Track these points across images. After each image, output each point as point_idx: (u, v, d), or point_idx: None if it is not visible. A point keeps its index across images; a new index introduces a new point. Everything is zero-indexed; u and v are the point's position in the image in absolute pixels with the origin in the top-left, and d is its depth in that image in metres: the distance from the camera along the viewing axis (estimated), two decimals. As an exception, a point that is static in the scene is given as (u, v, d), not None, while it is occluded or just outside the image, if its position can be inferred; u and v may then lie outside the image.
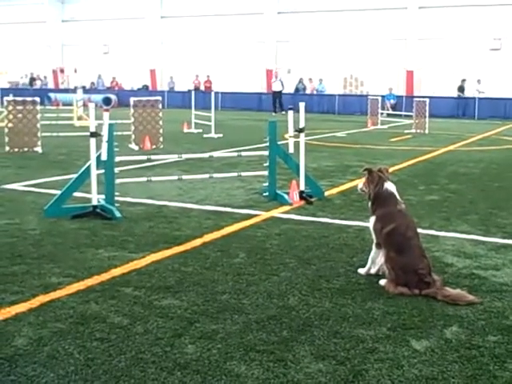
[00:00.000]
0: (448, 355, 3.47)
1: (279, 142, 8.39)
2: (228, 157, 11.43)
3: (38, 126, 13.16)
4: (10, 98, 13.68)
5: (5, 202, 7.56)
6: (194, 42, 37.19)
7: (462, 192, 8.83)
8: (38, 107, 13.35)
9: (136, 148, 13.57)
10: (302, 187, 8.04)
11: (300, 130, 8.18)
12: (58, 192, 7.16)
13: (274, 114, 28.69)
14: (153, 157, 8.57)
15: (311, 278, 4.81)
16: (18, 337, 3.63)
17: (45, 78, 40.18)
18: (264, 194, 8.15)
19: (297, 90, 33.68)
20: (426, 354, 3.47)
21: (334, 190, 8.80)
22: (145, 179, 7.89)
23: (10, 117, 12.94)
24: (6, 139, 12.88)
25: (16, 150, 12.78)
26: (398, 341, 3.65)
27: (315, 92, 33.71)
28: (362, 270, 4.94)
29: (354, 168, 11.14)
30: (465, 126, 23.50)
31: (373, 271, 4.88)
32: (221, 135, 17.19)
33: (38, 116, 13.22)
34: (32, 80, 39.23)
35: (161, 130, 14.16)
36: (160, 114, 14.30)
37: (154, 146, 13.76)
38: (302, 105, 8.20)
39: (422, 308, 4.18)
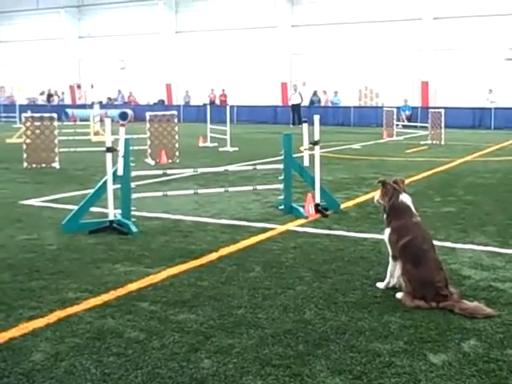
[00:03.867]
0: (466, 369, 3.43)
1: (294, 155, 8.40)
2: (243, 170, 11.45)
3: (56, 141, 13.31)
4: (28, 114, 13.86)
5: (23, 218, 7.64)
6: (209, 56, 37.44)
7: (478, 203, 8.77)
8: (56, 123, 13.51)
9: (152, 162, 13.65)
10: (318, 200, 8.03)
11: (315, 143, 8.19)
12: (75, 207, 7.22)
13: (291, 126, 28.75)
14: (169, 171, 8.63)
15: (327, 291, 4.80)
16: (35, 352, 3.66)
17: (62, 93, 40.64)
18: (279, 208, 8.15)
19: (312, 102, 33.73)
20: (444, 368, 3.45)
21: (350, 203, 8.78)
22: (161, 194, 7.93)
23: (28, 133, 13.10)
24: (24, 155, 13.03)
25: (34, 165, 12.92)
26: (415, 355, 3.62)
27: (330, 104, 33.72)
28: (380, 284, 4.91)
29: (370, 180, 11.11)
30: (481, 137, 23.36)
31: (391, 284, 4.85)
32: (236, 149, 17.24)
33: (56, 132, 13.37)
34: (49, 96, 39.70)
35: (177, 145, 14.23)
36: (176, 129, 14.39)
37: (170, 161, 13.83)
38: (316, 117, 8.22)
39: (439, 321, 4.15)
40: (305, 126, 8.40)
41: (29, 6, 40.31)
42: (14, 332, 3.95)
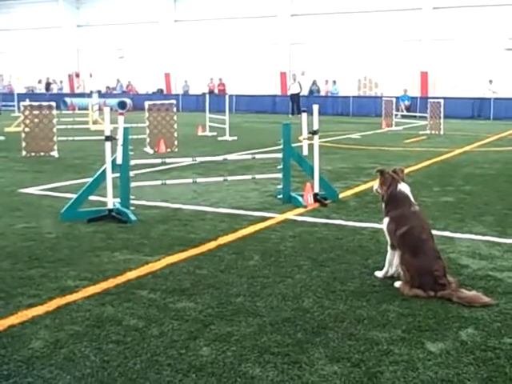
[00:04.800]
0: (463, 357, 3.45)
1: (294, 145, 8.40)
2: (242, 159, 11.45)
3: (54, 130, 13.28)
4: (27, 102, 13.82)
5: (22, 206, 7.64)
6: (208, 46, 37.30)
7: (477, 193, 8.78)
8: (54, 112, 13.47)
9: (151, 151, 13.64)
10: (317, 189, 8.03)
11: (314, 133, 8.18)
12: (74, 196, 7.22)
13: (290, 116, 28.69)
14: (167, 160, 8.61)
15: (326, 280, 4.81)
16: (34, 339, 3.67)
17: (60, 82, 40.51)
18: (278, 197, 8.15)
19: (311, 92, 33.65)
20: (442, 356, 3.46)
21: (349, 192, 8.79)
22: (160, 182, 7.93)
23: (27, 121, 13.08)
24: (23, 144, 13.01)
25: (32, 154, 12.90)
26: (412, 343, 3.64)
27: (329, 94, 33.66)
28: (379, 273, 4.92)
29: (369, 170, 11.10)
30: (480, 127, 23.34)
31: (390, 273, 4.86)
32: (235, 138, 17.22)
33: (54, 121, 13.34)
34: (48, 85, 39.57)
35: (175, 134, 14.22)
36: (174, 118, 14.37)
37: (168, 150, 13.82)
38: (315, 107, 8.21)
39: (437, 310, 4.16)
40: (304, 115, 8.39)
41: (27, -6, 40.15)
42: (13, 319, 3.96)
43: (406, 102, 30.19)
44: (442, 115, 20.42)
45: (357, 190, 9.05)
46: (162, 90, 38.02)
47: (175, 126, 14.26)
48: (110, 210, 6.83)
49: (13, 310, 4.14)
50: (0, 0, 42.14)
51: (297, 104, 30.28)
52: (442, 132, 19.93)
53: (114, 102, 31.19)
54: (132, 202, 7.20)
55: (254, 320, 3.96)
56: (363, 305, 4.26)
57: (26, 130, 13.06)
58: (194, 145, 15.39)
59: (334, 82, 33.60)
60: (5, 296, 4.40)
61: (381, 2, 32.71)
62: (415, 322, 3.95)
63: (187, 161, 9.05)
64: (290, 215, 7.22)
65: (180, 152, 13.49)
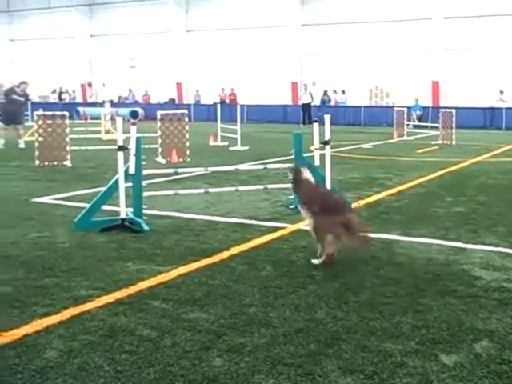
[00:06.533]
0: (478, 370, 3.43)
1: (305, 155, 8.40)
2: (254, 169, 11.46)
3: (67, 139, 13.37)
4: (40, 112, 13.94)
5: (35, 216, 7.69)
6: (220, 55, 37.45)
7: (489, 203, 8.74)
8: (67, 121, 13.57)
9: (163, 161, 13.68)
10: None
11: (325, 143, 8.19)
12: (87, 205, 7.26)
13: (302, 125, 28.72)
14: (179, 170, 8.65)
15: (338, 291, 4.80)
16: (48, 349, 3.69)
17: (73, 92, 40.82)
18: (290, 207, 8.15)
19: (323, 102, 33.69)
20: (456, 369, 3.44)
21: (361, 202, 8.77)
22: (172, 192, 7.96)
23: (40, 131, 13.18)
24: (37, 153, 13.11)
25: (46, 163, 12.99)
26: (426, 355, 3.62)
27: (338, 104, 33.67)
28: (316, 261, 5.51)
29: (381, 180, 11.10)
30: (492, 137, 23.23)
31: (330, 251, 5.50)
32: (247, 148, 17.25)
33: (67, 130, 13.43)
34: (61, 94, 39.88)
35: (187, 143, 14.26)
36: (186, 128, 14.42)
37: (180, 159, 13.86)
38: (327, 117, 8.22)
39: (451, 322, 4.14)
40: (315, 125, 8.40)
41: (41, 4, 40.49)
42: (27, 329, 3.98)
43: (418, 112, 30.13)
44: (453, 125, 20.35)
45: (369, 200, 9.04)
46: (173, 100, 38.18)
47: (187, 135, 14.31)
48: (123, 220, 6.86)
49: (27, 319, 4.16)
50: (14, 11, 42.57)
51: (308, 114, 30.30)
52: (453, 142, 19.85)
53: (125, 111, 31.33)
54: (144, 211, 7.22)
55: (267, 331, 3.96)
56: (376, 316, 4.25)
57: (40, 139, 13.16)
58: (205, 154, 15.43)
59: (343, 91, 33.61)
60: (19, 305, 4.43)
61: (392, 12, 32.73)
62: (429, 334, 3.93)
63: (199, 171, 9.08)
64: (302, 225, 7.21)
65: (192, 162, 13.53)
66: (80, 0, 39.59)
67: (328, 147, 8.21)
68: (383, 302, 4.55)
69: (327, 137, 8.14)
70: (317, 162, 8.26)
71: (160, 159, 13.79)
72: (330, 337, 3.87)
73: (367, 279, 5.10)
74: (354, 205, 8.40)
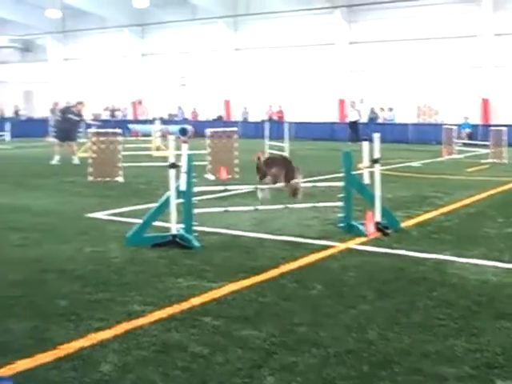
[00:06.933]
0: (536, 397, 3.35)
1: (353, 172, 8.38)
2: (302, 187, 11.42)
3: (120, 156, 13.67)
4: (94, 129, 14.31)
5: (89, 230, 7.88)
6: (267, 73, 37.70)
7: (545, 225, 8.50)
8: (120, 138, 13.89)
9: (212, 178, 13.83)
10: (378, 218, 7.97)
11: (375, 161, 8.15)
12: (139, 221, 7.41)
13: (349, 143, 28.58)
14: (229, 187, 8.73)
15: (389, 311, 4.76)
16: (103, 363, 3.77)
17: (125, 109, 41.74)
18: (339, 225, 8.13)
19: (370, 119, 33.50)
20: (513, 395, 3.37)
21: (411, 222, 8.67)
22: (222, 209, 8.04)
23: (94, 148, 13.52)
24: (90, 169, 13.44)
25: (99, 179, 13.30)
26: (482, 380, 3.55)
27: (385, 121, 33.39)
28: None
29: (431, 199, 10.95)
30: (547, 156, 22.61)
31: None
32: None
33: (120, 147, 13.74)
34: (112, 112, 40.83)
35: (236, 160, 14.39)
36: (235, 145, 14.56)
37: (229, 176, 13.98)
38: (376, 135, 8.18)
39: (506, 346, 4.05)
40: (365, 143, 8.37)
41: (95, 24, 41.67)
42: (83, 342, 4.08)
43: (468, 130, 29.62)
44: (505, 143, 19.92)
45: (419, 219, 8.92)
46: (221, 117, 38.59)
47: (236, 152, 14.43)
48: (174, 236, 6.96)
49: (82, 332, 4.27)
50: (69, 31, 43.94)
51: (355, 131, 30.16)
52: (505, 160, 19.42)
53: (175, 128, 31.84)
54: (195, 228, 7.31)
55: (318, 351, 3.95)
56: (429, 339, 4.19)
57: (93, 155, 13.49)
58: (253, 171, 15.44)
59: (390, 109, 33.34)
60: (75, 319, 4.55)
61: (440, 28, 32.39)
62: (483, 358, 3.85)
63: (248, 187, 9.15)
64: (352, 244, 7.19)
65: (241, 178, 13.62)
66: (132, 20, 40.54)
67: (378, 165, 8.17)
68: (436, 324, 4.49)
69: (377, 155, 8.10)
70: (366, 181, 8.21)
71: (209, 176, 13.94)
72: (383, 359, 3.84)
73: (419, 300, 5.04)
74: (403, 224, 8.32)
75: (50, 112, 30.57)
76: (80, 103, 19.19)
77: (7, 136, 27.12)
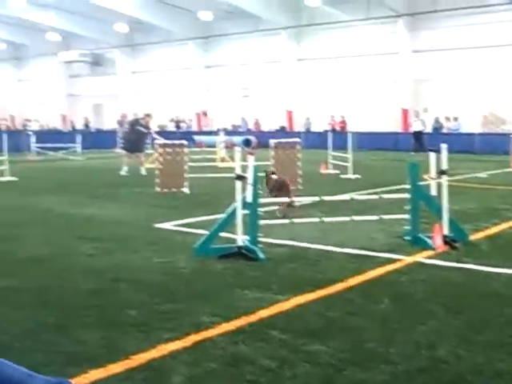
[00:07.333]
0: None
1: (420, 184, 8.24)
2: (367, 199, 11.33)
3: (186, 167, 13.91)
4: (161, 141, 14.63)
5: (157, 241, 8.05)
6: (330, 83, 37.58)
7: None
8: (186, 149, 14.14)
9: (275, 189, 13.84)
10: (446, 231, 7.80)
11: (442, 172, 8.00)
12: (205, 232, 7.51)
13: (413, 153, 28.09)
14: (294, 198, 8.74)
15: (460, 328, 4.65)
16: (174, 374, 3.83)
17: (189, 120, 42.48)
18: (405, 238, 8.00)
19: (435, 129, 32.84)
20: None
21: (480, 235, 8.44)
22: (288, 221, 8.05)
23: (161, 159, 13.82)
24: (157, 180, 13.74)
25: (165, 190, 13.56)
26: (560, 403, 3.42)
27: (450, 131, 32.63)
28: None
29: (500, 211, 10.63)
30: None
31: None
32: (358, 176, 17.12)
33: (186, 158, 13.98)
34: (178, 123, 41.64)
35: (299, 171, 14.38)
36: (299, 155, 14.56)
37: (293, 187, 13.94)
38: (443, 146, 8.03)
39: None
40: (432, 154, 8.22)
41: (161, 38, 42.70)
42: (154, 353, 4.16)
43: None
44: None
45: (488, 232, 8.68)
46: (284, 128, 38.68)
47: (299, 163, 14.44)
48: (240, 247, 7.02)
49: (153, 343, 4.35)
50: (137, 44, 45.19)
51: (420, 141, 29.62)
52: None
53: (239, 139, 32.15)
54: (260, 239, 7.35)
55: (388, 367, 3.90)
56: (503, 357, 4.07)
57: (160, 166, 13.78)
58: (317, 182, 15.48)
59: (455, 118, 32.58)
60: (145, 329, 4.65)
61: (506, 35, 31.46)
62: (562, 380, 3.71)
63: (312, 199, 9.15)
64: (419, 257, 7.06)
65: (304, 190, 13.61)
66: (197, 33, 41.29)
67: (445, 177, 8.01)
68: (509, 342, 4.36)
69: (444, 166, 7.95)
70: (433, 192, 8.08)
71: (272, 187, 13.97)
72: (455, 377, 3.75)
73: (491, 317, 4.90)
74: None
75: (118, 124, 31.45)
76: (148, 115, 19.71)
77: (78, 147, 28.06)
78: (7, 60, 53.74)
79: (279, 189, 10.18)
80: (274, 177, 10.61)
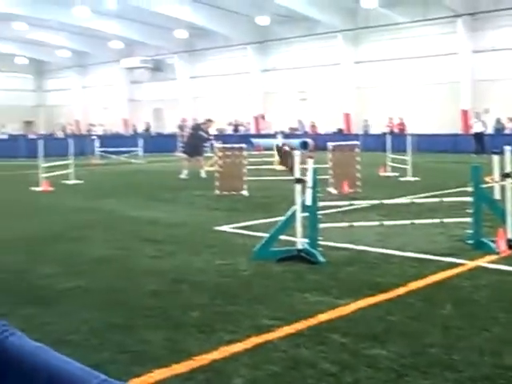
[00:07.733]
0: None
1: (482, 186, 8.05)
2: (427, 202, 11.16)
3: (244, 170, 14.04)
4: (220, 144, 14.84)
5: (217, 243, 8.16)
6: (388, 85, 37.14)
7: None
8: (245, 153, 14.28)
9: (335, 192, 13.81)
10: (510, 235, 7.60)
11: (507, 175, 7.80)
12: (264, 234, 7.57)
13: (474, 155, 27.43)
14: (354, 202, 8.70)
15: (526, 336, 4.53)
16: (235, 376, 3.87)
17: (247, 124, 42.80)
18: (467, 242, 7.84)
19: (496, 130, 31.96)
20: None
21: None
22: (347, 224, 8.02)
23: (220, 162, 14.01)
24: (217, 183, 13.91)
25: (225, 193, 13.73)
26: None
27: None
28: None
29: None
30: None
31: None
32: (417, 179, 16.86)
33: (245, 161, 14.12)
34: (236, 126, 42.03)
35: (358, 174, 14.28)
36: (357, 158, 14.46)
37: (351, 190, 13.91)
38: (507, 148, 7.84)
39: None
40: (495, 157, 8.03)
41: (219, 43, 43.23)
42: (215, 354, 4.22)
43: None
44: None
45: (556, 237, 8.37)
46: (341, 130, 38.44)
47: (357, 166, 14.33)
48: (299, 251, 7.04)
49: (214, 344, 4.41)
50: (195, 50, 45.90)
51: (481, 143, 28.91)
52: None
53: (296, 142, 32.14)
54: (319, 242, 7.35)
55: (451, 374, 3.84)
56: None
57: (220, 170, 13.97)
58: (375, 185, 15.33)
59: (516, 119, 31.60)
60: (207, 330, 4.72)
61: None
62: None
63: (372, 202, 9.07)
64: (482, 262, 6.90)
65: (363, 193, 13.51)
66: (254, 38, 41.61)
67: (509, 180, 7.80)
68: None
69: (508, 169, 7.75)
70: (497, 196, 7.88)
71: (331, 189, 13.94)
72: (521, 385, 3.67)
73: (559, 325, 4.76)
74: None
75: (178, 128, 32.02)
76: (209, 120, 20.29)
77: (140, 151, 28.73)
78: (72, 68, 55.59)
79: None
80: (286, 148, 11.30)
